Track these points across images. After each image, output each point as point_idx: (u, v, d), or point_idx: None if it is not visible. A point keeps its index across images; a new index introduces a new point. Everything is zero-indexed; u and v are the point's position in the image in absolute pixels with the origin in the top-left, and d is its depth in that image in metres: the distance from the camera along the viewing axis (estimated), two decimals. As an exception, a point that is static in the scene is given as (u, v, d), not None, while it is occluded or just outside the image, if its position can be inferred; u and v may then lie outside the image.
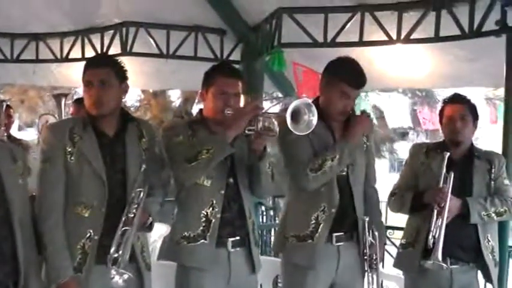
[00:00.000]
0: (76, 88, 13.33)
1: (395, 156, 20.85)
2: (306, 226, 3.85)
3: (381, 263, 4.11)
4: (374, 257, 3.89)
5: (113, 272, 3.24)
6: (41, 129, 6.18)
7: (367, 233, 3.86)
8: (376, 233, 3.88)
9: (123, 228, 3.32)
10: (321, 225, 3.82)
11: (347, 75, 3.82)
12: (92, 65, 3.53)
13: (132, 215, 3.35)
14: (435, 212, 3.99)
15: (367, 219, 3.87)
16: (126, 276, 3.25)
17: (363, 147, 3.99)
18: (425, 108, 16.19)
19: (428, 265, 3.96)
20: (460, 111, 4.14)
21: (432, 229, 3.97)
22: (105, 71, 3.46)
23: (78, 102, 6.44)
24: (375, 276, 3.91)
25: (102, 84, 3.44)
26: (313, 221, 3.84)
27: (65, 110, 6.34)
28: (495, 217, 4.11)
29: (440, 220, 3.97)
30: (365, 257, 3.89)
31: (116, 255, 3.26)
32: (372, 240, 3.88)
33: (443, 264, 3.93)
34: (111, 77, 3.47)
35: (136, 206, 3.37)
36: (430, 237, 3.97)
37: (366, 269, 3.90)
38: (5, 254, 3.12)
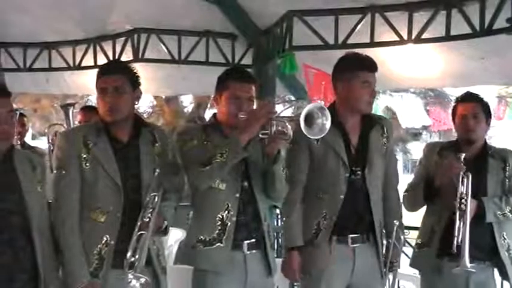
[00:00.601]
0: (89, 96, 13.40)
1: (409, 157, 20.84)
2: (308, 232, 3.88)
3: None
4: (395, 261, 3.89)
5: (130, 276, 3.25)
6: (51, 139, 6.22)
7: (393, 236, 3.86)
8: (402, 237, 3.88)
9: (139, 233, 3.33)
10: (322, 231, 3.84)
11: (362, 62, 3.88)
12: (105, 72, 3.55)
13: (148, 219, 3.36)
14: (457, 215, 3.94)
15: (397, 223, 3.86)
16: (143, 280, 3.26)
17: (382, 148, 3.97)
18: (436, 109, 16.17)
19: (456, 271, 3.93)
20: (472, 109, 4.13)
21: (456, 234, 3.91)
22: (119, 78, 3.48)
23: (86, 109, 6.49)
24: (390, 277, 3.91)
25: (116, 91, 3.46)
26: (315, 227, 3.86)
27: (73, 119, 6.37)
28: (510, 216, 4.09)
29: (463, 224, 3.91)
30: (384, 260, 3.88)
31: (132, 259, 3.28)
32: (397, 244, 3.88)
33: (472, 270, 3.89)
34: (125, 84, 3.49)
35: (151, 210, 3.39)
36: (455, 242, 3.91)
37: (384, 270, 3.90)
38: (24, 263, 3.17)
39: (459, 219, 3.93)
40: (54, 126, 6.77)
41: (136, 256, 3.28)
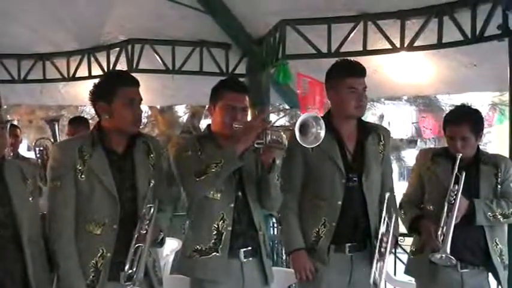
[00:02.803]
0: (83, 107, 13.36)
1: (403, 164, 20.83)
2: (307, 240, 3.91)
3: (393, 269, 4.10)
4: (384, 244, 3.85)
5: None
6: (38, 153, 6.21)
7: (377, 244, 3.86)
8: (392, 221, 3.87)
9: (136, 245, 3.34)
10: (322, 238, 3.87)
11: (348, 69, 3.93)
12: (133, 83, 3.53)
13: (145, 231, 3.37)
14: (445, 208, 3.99)
15: (381, 231, 3.87)
16: (143, 292, 3.28)
17: (379, 155, 4.00)
18: (428, 117, 16.20)
19: (435, 259, 3.95)
20: (460, 133, 4.07)
21: (442, 225, 3.97)
22: (138, 90, 3.54)
23: (75, 122, 6.49)
24: (382, 264, 3.85)
25: (140, 103, 3.52)
26: (315, 235, 3.89)
27: (59, 133, 6.37)
28: (501, 219, 4.09)
29: (450, 217, 3.96)
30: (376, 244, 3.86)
31: (130, 272, 3.29)
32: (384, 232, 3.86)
33: (451, 257, 3.92)
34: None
35: (148, 222, 3.39)
36: (440, 233, 3.96)
37: (376, 257, 3.84)
38: (15, 275, 3.14)
39: (447, 213, 3.98)
40: (41, 140, 6.76)
41: (134, 269, 3.29)
